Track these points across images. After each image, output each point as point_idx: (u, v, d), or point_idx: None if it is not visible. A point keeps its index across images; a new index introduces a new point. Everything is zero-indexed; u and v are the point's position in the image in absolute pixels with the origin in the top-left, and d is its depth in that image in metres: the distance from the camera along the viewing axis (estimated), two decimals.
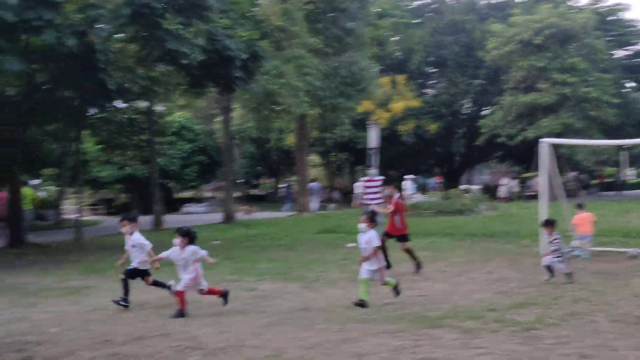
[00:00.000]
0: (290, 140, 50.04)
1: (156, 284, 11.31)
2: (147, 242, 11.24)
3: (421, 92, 55.19)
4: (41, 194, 42.59)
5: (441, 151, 56.49)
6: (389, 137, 48.86)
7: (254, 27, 25.30)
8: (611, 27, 49.86)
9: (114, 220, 44.73)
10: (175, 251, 10.37)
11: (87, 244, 23.85)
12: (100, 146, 39.16)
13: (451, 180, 52.93)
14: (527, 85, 43.76)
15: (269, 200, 56.86)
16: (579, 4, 50.59)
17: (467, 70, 53.37)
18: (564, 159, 39.62)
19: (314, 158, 59.43)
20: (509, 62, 45.23)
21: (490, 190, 46.04)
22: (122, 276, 11.05)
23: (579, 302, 10.49)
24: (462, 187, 46.77)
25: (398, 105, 50.47)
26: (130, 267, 11.19)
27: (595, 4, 50.11)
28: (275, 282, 13.43)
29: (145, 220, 35.68)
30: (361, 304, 10.30)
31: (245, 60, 21.16)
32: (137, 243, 11.15)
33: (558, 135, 35.57)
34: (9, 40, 16.92)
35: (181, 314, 10.12)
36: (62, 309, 11.12)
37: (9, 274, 15.96)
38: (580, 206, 16.97)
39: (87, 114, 26.44)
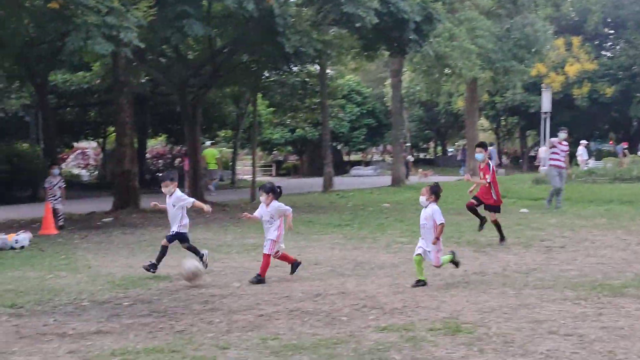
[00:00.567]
0: (459, 103, 49.53)
1: (190, 249, 10.83)
2: (190, 199, 10.83)
3: (597, 54, 52.99)
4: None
5: (617, 116, 54.19)
6: (562, 101, 47.47)
7: None
8: None
9: (284, 181, 46.00)
10: (262, 208, 10.33)
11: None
12: (273, 109, 40.18)
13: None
14: None
15: (437, 164, 56.58)
16: None
17: None
18: None
19: (483, 122, 58.49)
20: None
21: None
22: (165, 242, 10.67)
23: None
24: None
25: (572, 68, 48.83)
26: (172, 233, 10.71)
27: None
28: (448, 246, 13.39)
29: (315, 181, 36.50)
30: (421, 283, 9.59)
31: (418, 22, 21.04)
32: (180, 201, 10.59)
33: None
34: (193, 6, 17.64)
35: (260, 279, 10.04)
36: (242, 265, 11.60)
37: (191, 230, 16.71)
38: None
39: (262, 77, 27.23)
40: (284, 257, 10.49)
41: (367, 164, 56.17)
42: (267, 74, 29.47)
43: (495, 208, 13.64)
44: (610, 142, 56.11)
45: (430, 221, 9.67)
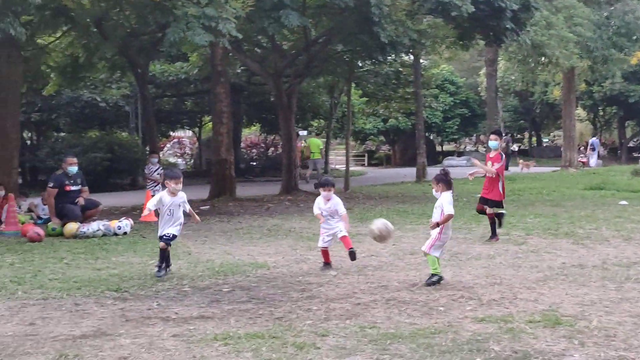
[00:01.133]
0: (555, 93, 48.55)
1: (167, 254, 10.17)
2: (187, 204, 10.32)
3: None
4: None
5: None
6: None
7: None
8: None
9: (376, 171, 45.99)
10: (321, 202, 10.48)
11: (355, 194, 24.72)
12: (366, 98, 40.20)
13: None
14: None
15: (532, 155, 55.59)
16: None
17: None
18: None
19: (580, 112, 57.17)
20: None
21: None
22: (164, 245, 9.99)
23: None
24: None
25: None
26: (170, 235, 9.98)
27: None
28: (545, 238, 13.22)
29: (408, 172, 36.41)
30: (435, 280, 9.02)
31: (516, 11, 20.73)
32: (185, 202, 10.11)
33: None
34: None
35: (328, 266, 10.40)
36: (337, 254, 11.68)
37: (286, 220, 16.96)
38: None
39: (356, 68, 27.28)
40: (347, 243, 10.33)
41: (460, 154, 55.61)
42: (361, 64, 29.50)
43: (498, 204, 13.06)
44: None
45: (438, 210, 9.17)
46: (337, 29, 21.31)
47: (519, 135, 67.26)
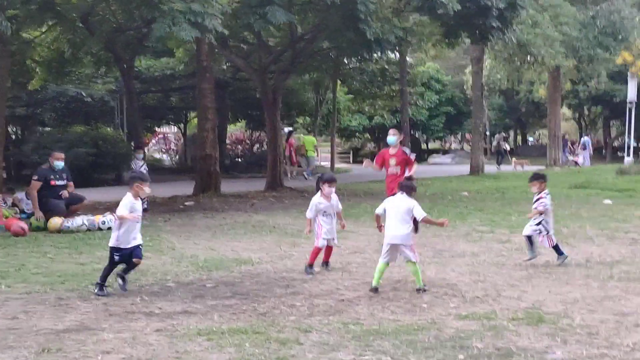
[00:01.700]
0: (541, 92, 48.67)
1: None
2: None
3: None
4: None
5: None
6: None
7: None
8: None
9: (361, 168, 45.98)
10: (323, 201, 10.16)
11: (340, 191, 24.65)
12: (351, 96, 40.22)
13: None
14: None
15: (517, 154, 55.71)
16: None
17: None
18: None
19: (565, 111, 57.37)
20: None
21: None
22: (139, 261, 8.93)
23: None
24: None
25: None
26: (141, 245, 8.93)
27: None
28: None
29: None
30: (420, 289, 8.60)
31: (502, 9, 20.76)
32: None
33: None
34: None
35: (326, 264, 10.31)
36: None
37: (270, 216, 16.93)
38: None
39: (342, 65, 27.27)
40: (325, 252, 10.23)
41: (445, 152, 55.72)
42: (346, 61, 29.50)
43: None
44: None
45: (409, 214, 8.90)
46: (323, 26, 21.28)
47: (504, 134, 67.45)
